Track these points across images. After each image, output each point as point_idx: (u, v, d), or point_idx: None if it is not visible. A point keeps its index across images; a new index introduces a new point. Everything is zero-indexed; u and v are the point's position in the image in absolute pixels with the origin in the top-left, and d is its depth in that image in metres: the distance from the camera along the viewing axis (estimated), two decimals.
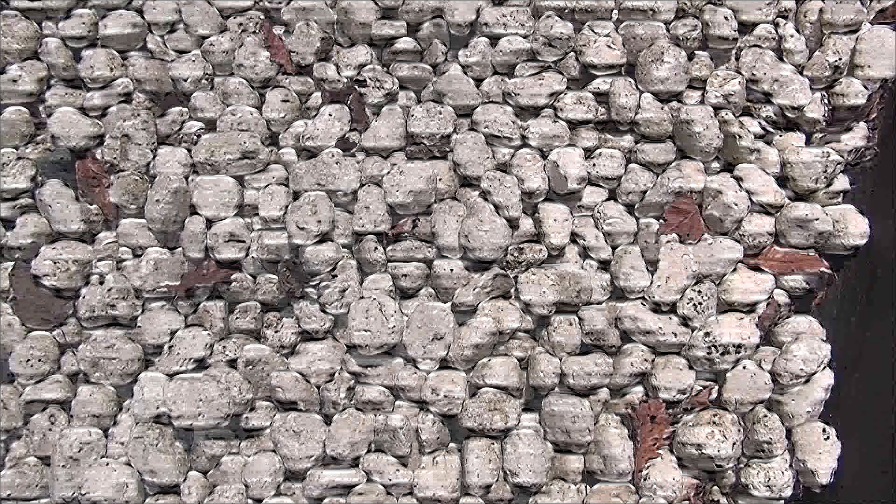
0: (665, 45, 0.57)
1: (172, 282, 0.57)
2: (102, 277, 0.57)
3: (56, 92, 0.61)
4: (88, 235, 0.59)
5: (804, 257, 0.56)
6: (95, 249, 0.59)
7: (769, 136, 0.59)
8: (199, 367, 0.55)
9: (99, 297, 0.57)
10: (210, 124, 0.61)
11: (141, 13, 0.62)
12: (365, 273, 0.58)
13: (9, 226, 0.59)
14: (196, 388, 0.52)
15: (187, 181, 0.58)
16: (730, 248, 0.55)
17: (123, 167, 0.59)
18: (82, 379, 0.57)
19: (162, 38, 0.63)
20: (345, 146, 0.58)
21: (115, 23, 0.61)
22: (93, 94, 0.61)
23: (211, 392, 0.52)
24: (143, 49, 0.63)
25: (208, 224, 0.57)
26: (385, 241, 0.57)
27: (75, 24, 0.61)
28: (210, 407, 0.52)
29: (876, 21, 0.59)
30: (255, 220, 0.58)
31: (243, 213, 0.59)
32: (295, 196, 0.58)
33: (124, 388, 0.57)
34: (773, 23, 0.59)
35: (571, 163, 0.57)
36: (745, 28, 0.59)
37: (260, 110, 0.61)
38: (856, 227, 0.56)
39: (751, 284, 0.55)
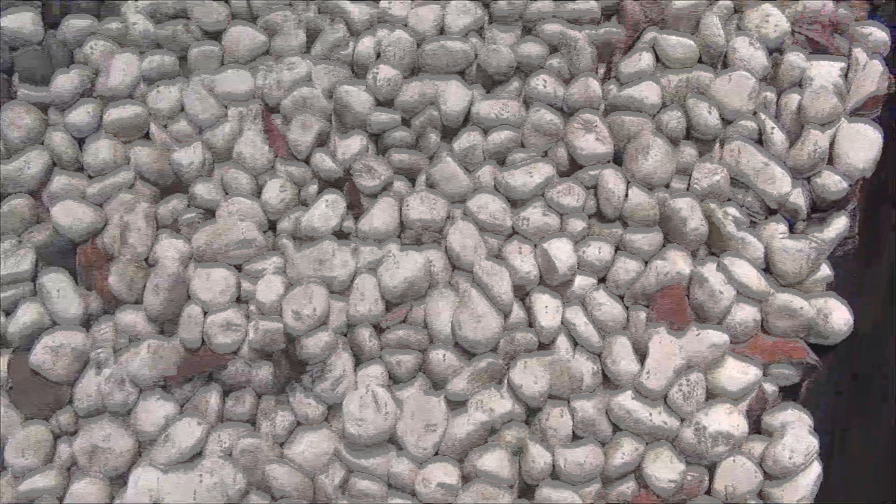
0: (651, 137, 0.60)
1: (169, 369, 0.57)
2: (100, 365, 0.58)
3: (60, 180, 0.63)
4: (87, 322, 0.60)
5: (790, 346, 0.57)
6: (93, 336, 0.60)
7: (753, 225, 0.60)
8: (195, 456, 0.56)
9: (96, 385, 0.57)
10: (210, 212, 0.62)
11: (144, 101, 0.64)
12: (359, 360, 0.59)
13: (8, 313, 0.60)
14: (190, 479, 0.53)
15: (186, 268, 0.60)
16: (717, 336, 0.56)
17: (123, 254, 0.60)
18: (76, 468, 0.57)
19: (164, 126, 0.64)
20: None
21: (119, 112, 0.63)
22: (95, 182, 0.62)
23: (205, 483, 0.53)
24: (146, 137, 0.65)
25: (205, 311, 0.58)
26: (379, 328, 0.58)
27: (81, 114, 0.63)
28: (203, 497, 0.53)
29: (853, 114, 0.61)
30: (252, 307, 0.59)
31: (240, 299, 0.60)
32: (291, 283, 0.59)
33: (117, 478, 0.57)
34: (755, 114, 0.61)
35: (561, 251, 0.58)
36: (727, 119, 0.61)
37: (259, 197, 0.62)
38: (839, 315, 0.57)
39: (738, 373, 0.56)
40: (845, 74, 0.62)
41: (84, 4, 0.67)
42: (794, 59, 0.61)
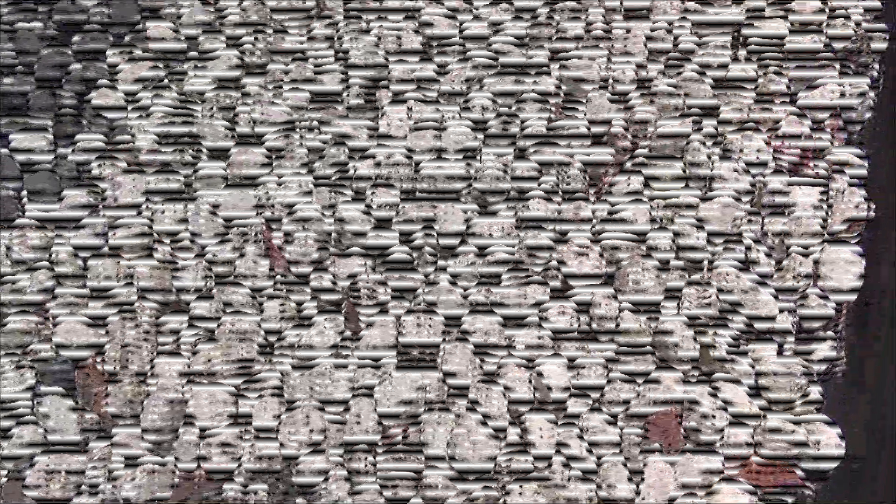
0: (640, 260, 0.61)
1: (164, 493, 0.57)
2: (94, 489, 0.58)
3: (63, 298, 0.64)
4: (83, 443, 0.60)
5: (783, 472, 0.57)
6: (89, 457, 0.59)
7: (742, 347, 0.62)
8: None
9: None
10: (209, 331, 0.63)
11: (149, 219, 0.66)
12: (354, 483, 0.59)
13: (4, 433, 0.60)
14: None
15: (184, 389, 0.60)
16: (711, 461, 0.56)
17: (122, 374, 0.61)
18: None
19: (168, 244, 0.66)
20: None
21: (124, 231, 0.65)
22: (97, 300, 0.64)
23: None
24: (150, 254, 0.66)
25: (201, 433, 0.59)
26: (375, 451, 0.59)
27: (87, 232, 0.65)
28: None
29: (836, 238, 0.63)
30: (249, 429, 0.60)
31: (237, 419, 0.60)
32: (288, 404, 0.59)
33: None
34: (741, 237, 0.63)
35: (556, 374, 0.59)
36: (714, 241, 0.63)
37: (258, 314, 0.63)
38: (830, 439, 0.58)
39: (733, 499, 0.56)
40: (826, 198, 0.64)
41: (94, 125, 0.70)
42: (777, 183, 0.64)
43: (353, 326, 0.63)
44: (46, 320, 0.64)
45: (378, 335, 0.62)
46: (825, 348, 0.61)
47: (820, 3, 0.69)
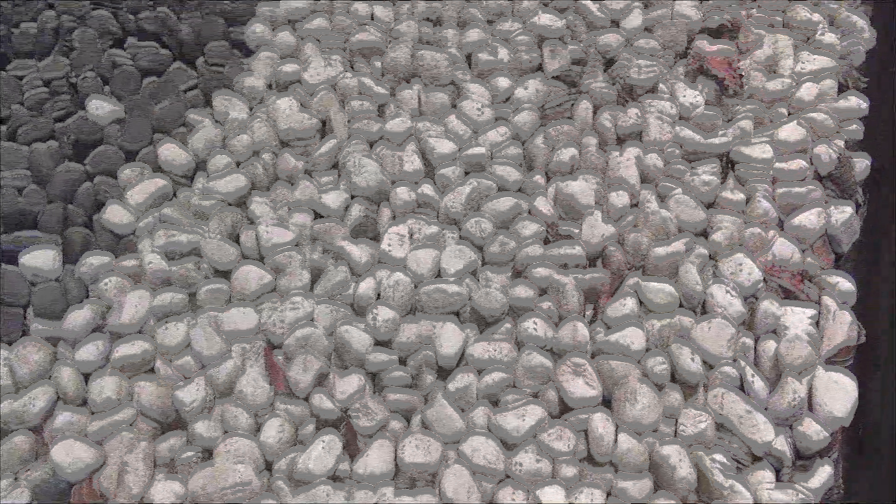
0: (637, 383, 0.62)
1: None
2: None
3: (63, 418, 0.64)
4: None
5: None
6: None
7: (740, 471, 0.62)
8: None
9: None
10: (207, 450, 0.63)
11: (152, 336, 0.67)
12: None
13: None
14: None
15: None
16: None
17: (118, 497, 0.60)
18: None
19: (170, 361, 0.67)
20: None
21: (127, 349, 0.66)
22: (97, 419, 0.64)
23: None
24: (151, 370, 0.67)
25: None
26: None
27: (90, 350, 0.66)
28: None
29: (829, 362, 0.64)
30: None
31: None
32: None
33: None
34: (735, 360, 0.64)
35: (554, 500, 0.59)
36: (709, 363, 0.64)
37: (256, 434, 0.63)
38: None
39: None
40: (817, 322, 0.66)
41: (103, 242, 0.71)
42: (769, 306, 0.65)
43: (352, 447, 0.63)
44: (45, 439, 0.64)
45: (376, 457, 0.62)
46: (822, 474, 0.61)
47: (803, 131, 0.72)
